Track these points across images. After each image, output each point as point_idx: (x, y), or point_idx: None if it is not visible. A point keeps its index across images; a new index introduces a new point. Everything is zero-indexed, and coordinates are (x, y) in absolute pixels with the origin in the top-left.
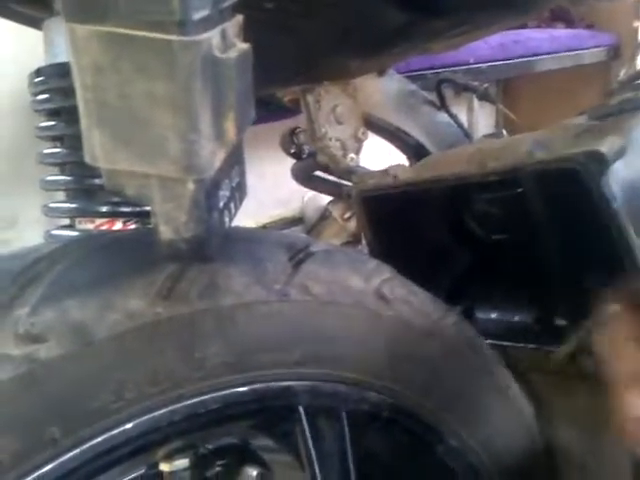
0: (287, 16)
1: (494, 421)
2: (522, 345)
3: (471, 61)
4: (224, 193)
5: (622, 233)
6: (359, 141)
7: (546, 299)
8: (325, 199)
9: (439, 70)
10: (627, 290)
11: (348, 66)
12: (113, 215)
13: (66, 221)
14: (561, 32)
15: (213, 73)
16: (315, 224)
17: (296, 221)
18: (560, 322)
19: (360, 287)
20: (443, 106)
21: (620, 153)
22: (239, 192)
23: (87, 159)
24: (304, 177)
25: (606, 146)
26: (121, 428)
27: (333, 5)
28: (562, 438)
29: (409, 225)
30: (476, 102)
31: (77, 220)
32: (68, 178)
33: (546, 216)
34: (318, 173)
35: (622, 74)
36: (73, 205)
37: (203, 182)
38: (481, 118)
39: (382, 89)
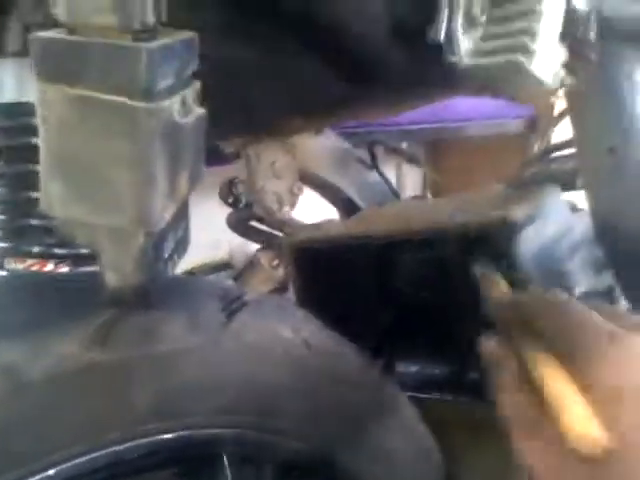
0: (237, 78)
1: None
2: (439, 397)
3: (403, 122)
4: (169, 244)
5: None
6: (294, 195)
7: (462, 354)
8: (253, 246)
9: (372, 129)
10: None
11: (290, 125)
12: (45, 256)
13: None
14: (488, 100)
15: (173, 136)
16: (243, 270)
17: (224, 266)
18: (474, 376)
19: (289, 337)
20: (374, 165)
21: (530, 220)
22: (182, 244)
23: (42, 207)
24: (239, 226)
25: (519, 213)
26: (43, 474)
27: (282, 72)
28: None
29: (337, 279)
30: (404, 164)
31: (6, 260)
32: (1, 217)
33: (464, 277)
34: (253, 223)
35: (536, 148)
36: (3, 245)
37: (152, 234)
38: (409, 178)
39: (318, 146)
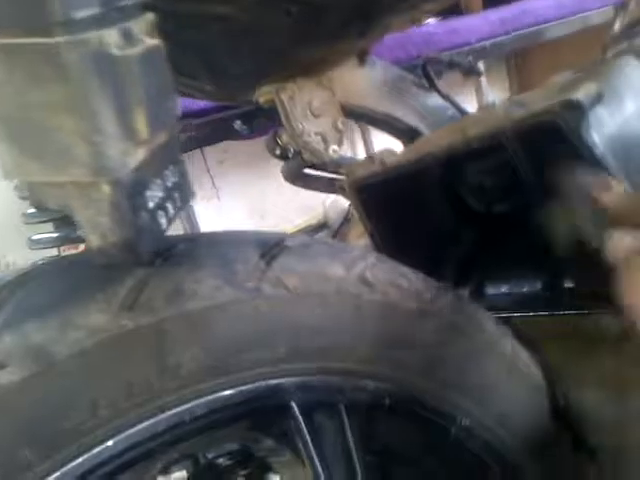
0: (239, 20)
1: (505, 395)
2: (534, 314)
3: (472, 41)
4: (155, 193)
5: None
6: (339, 132)
7: (551, 264)
8: (346, 201)
9: (435, 56)
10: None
11: (314, 58)
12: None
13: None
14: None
15: (112, 71)
16: (339, 227)
17: (321, 227)
18: (568, 284)
19: (340, 275)
20: (432, 86)
21: (597, 99)
22: (179, 192)
23: (4, 176)
24: (294, 176)
25: (581, 93)
26: (101, 447)
27: (287, 1)
28: (590, 402)
29: (408, 210)
30: (484, 83)
31: (62, 249)
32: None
33: (536, 177)
34: (308, 171)
35: (615, 27)
36: (58, 234)
37: (120, 183)
38: (492, 99)
39: (364, 77)
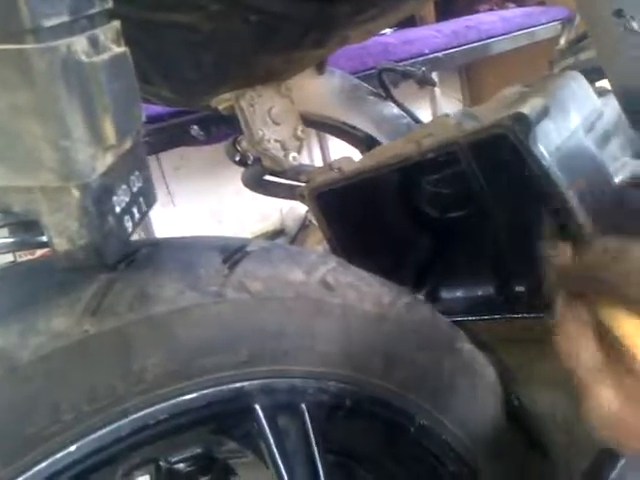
0: (200, 29)
1: (463, 395)
2: (487, 317)
3: (426, 51)
4: (121, 198)
5: (556, 188)
6: (299, 139)
7: (503, 268)
8: (304, 208)
9: (390, 65)
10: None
11: (273, 66)
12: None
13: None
14: (513, 12)
15: (79, 78)
16: (296, 234)
17: (278, 233)
18: (519, 288)
19: (302, 279)
20: (388, 96)
21: (544, 113)
22: (144, 197)
23: None
24: (254, 183)
25: (528, 107)
26: (64, 451)
27: (244, 7)
28: (543, 404)
29: (365, 216)
30: (438, 94)
31: (17, 255)
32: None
33: (488, 187)
34: (268, 177)
35: (562, 42)
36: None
37: (88, 188)
38: (446, 109)
39: (322, 86)
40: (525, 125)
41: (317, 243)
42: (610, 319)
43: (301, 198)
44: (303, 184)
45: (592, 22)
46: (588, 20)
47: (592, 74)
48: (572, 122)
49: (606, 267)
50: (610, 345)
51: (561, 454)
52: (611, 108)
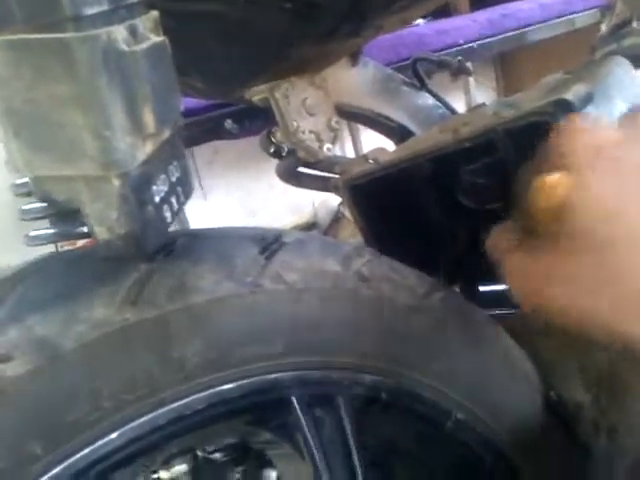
0: (232, 17)
1: (500, 389)
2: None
3: (461, 41)
4: (160, 188)
5: None
6: (333, 130)
7: None
8: (336, 201)
9: (424, 55)
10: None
11: (307, 57)
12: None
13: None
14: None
15: (120, 67)
16: (329, 227)
17: (310, 226)
18: None
19: (337, 270)
20: (422, 86)
21: (587, 99)
22: (182, 187)
23: (12, 171)
24: (288, 175)
25: (571, 94)
26: (106, 439)
27: None
28: (580, 399)
29: (400, 208)
30: (472, 84)
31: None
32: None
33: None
34: (302, 169)
35: (603, 29)
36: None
37: (128, 177)
38: (480, 99)
39: (356, 77)
40: (568, 112)
41: (349, 236)
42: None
43: (335, 189)
44: (337, 176)
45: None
46: (631, 5)
47: (636, 61)
48: (617, 109)
49: None
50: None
51: (603, 450)
52: None
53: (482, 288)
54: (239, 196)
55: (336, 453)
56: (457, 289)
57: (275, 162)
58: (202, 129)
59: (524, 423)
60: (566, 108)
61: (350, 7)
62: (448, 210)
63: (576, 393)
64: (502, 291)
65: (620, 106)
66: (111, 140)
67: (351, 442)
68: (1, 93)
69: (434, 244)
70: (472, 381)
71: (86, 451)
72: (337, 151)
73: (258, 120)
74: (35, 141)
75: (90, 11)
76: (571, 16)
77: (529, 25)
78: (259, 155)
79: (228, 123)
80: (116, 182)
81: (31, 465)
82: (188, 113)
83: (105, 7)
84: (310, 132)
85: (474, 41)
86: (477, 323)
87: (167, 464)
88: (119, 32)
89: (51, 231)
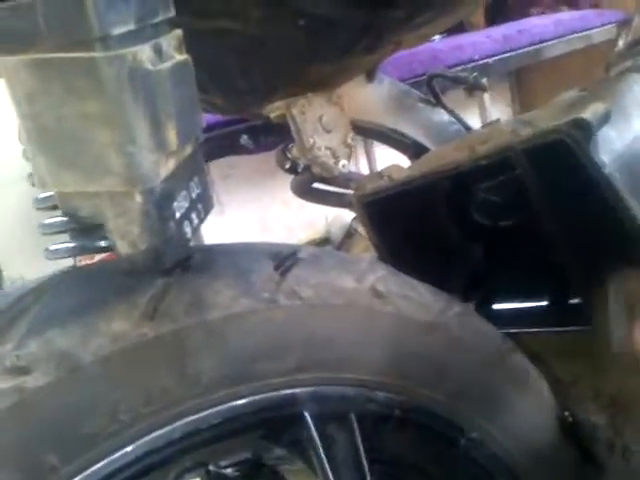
0: (248, 35)
1: (513, 408)
2: (539, 329)
3: (476, 57)
4: (182, 204)
5: (618, 197)
6: (349, 147)
7: (558, 280)
8: (349, 216)
9: (439, 72)
10: None
11: (324, 74)
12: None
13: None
14: (565, 15)
15: (145, 85)
16: (341, 243)
17: (323, 242)
18: (574, 300)
19: (352, 286)
20: (438, 102)
21: (605, 118)
22: (202, 203)
23: (37, 186)
24: (303, 190)
25: (589, 113)
26: (121, 451)
27: (294, 14)
28: (595, 419)
29: (415, 224)
30: (487, 100)
31: (78, 259)
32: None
33: (545, 195)
34: (317, 185)
35: (620, 45)
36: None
37: (151, 193)
38: (495, 116)
39: (372, 94)
40: (585, 131)
41: (362, 251)
42: None
43: (350, 206)
44: (352, 192)
45: None
46: None
47: None
48: (635, 128)
49: None
50: None
51: (617, 470)
52: None
53: (497, 306)
54: (254, 211)
55: (348, 470)
56: (472, 306)
57: (289, 178)
58: (218, 144)
59: (538, 443)
60: (584, 127)
61: (366, 24)
62: (463, 227)
63: (591, 413)
64: (517, 309)
65: (637, 125)
66: (135, 156)
67: (363, 459)
68: (30, 110)
69: (449, 261)
70: (486, 399)
71: (102, 463)
72: (351, 167)
73: (273, 136)
74: (62, 157)
75: (117, 31)
76: (587, 32)
77: (545, 41)
78: (273, 171)
79: (243, 139)
80: (139, 198)
81: (48, 477)
82: (204, 129)
83: (132, 27)
84: (326, 148)
85: (489, 57)
86: (492, 341)
87: (180, 478)
88: (145, 51)
89: (71, 245)
